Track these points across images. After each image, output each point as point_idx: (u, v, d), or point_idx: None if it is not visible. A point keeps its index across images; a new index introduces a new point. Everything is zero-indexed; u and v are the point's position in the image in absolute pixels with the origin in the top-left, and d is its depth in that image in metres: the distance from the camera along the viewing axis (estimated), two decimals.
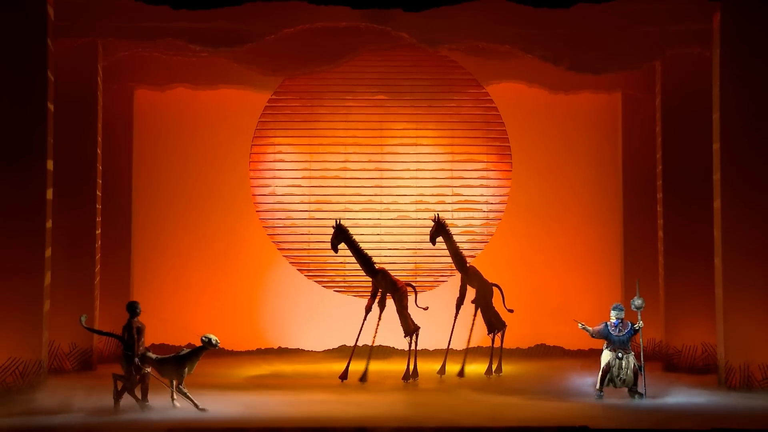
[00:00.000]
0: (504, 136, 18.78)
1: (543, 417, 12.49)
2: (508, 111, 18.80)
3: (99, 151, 16.84)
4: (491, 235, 18.74)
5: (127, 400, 12.95)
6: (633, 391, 13.87)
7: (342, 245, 15.56)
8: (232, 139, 18.70)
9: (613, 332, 13.95)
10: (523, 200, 18.80)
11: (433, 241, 16.05)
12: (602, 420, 12.40)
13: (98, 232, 16.91)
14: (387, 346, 17.27)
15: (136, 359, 12.91)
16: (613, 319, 13.98)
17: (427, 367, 16.23)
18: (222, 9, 14.79)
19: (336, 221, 15.61)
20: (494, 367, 16.15)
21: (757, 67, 14.76)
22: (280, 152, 18.69)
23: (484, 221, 18.74)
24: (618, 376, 13.86)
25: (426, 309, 15.70)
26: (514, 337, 18.39)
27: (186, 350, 13.16)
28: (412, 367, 15.49)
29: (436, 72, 18.54)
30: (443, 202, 18.66)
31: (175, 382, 12.99)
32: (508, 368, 16.87)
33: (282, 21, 15.64)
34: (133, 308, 13.20)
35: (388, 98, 18.60)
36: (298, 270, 18.50)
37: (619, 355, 13.86)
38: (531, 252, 18.73)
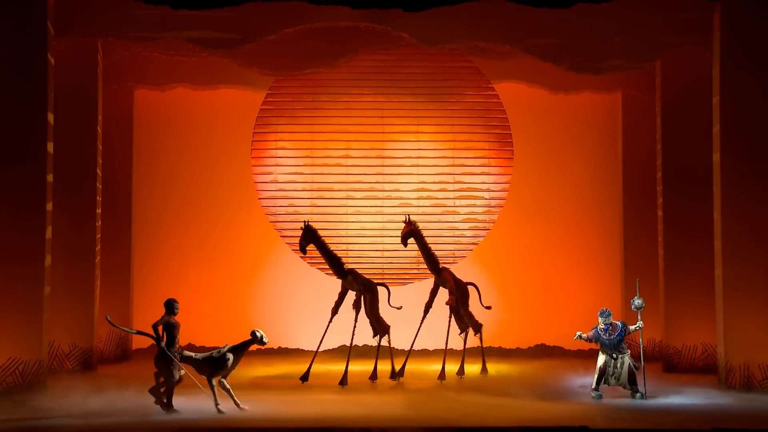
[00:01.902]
0: (505, 123, 18.81)
1: (543, 417, 12.48)
2: (508, 111, 18.81)
3: (99, 151, 16.84)
4: (493, 222, 18.75)
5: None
6: (634, 390, 13.88)
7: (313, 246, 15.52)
8: (232, 138, 18.72)
9: (603, 336, 13.98)
10: (523, 199, 18.80)
11: (404, 242, 15.82)
12: (602, 420, 12.41)
13: (98, 232, 16.90)
14: (387, 347, 17.24)
15: (162, 345, 12.70)
16: (601, 325, 14.01)
17: (426, 368, 16.23)
18: (222, 9, 14.81)
19: (305, 222, 15.53)
20: (480, 366, 16.12)
21: (757, 66, 14.77)
22: (282, 140, 18.75)
23: (486, 209, 18.75)
24: (613, 375, 13.90)
25: (400, 308, 15.58)
26: (514, 337, 18.47)
27: (228, 345, 13.01)
28: (389, 366, 15.50)
29: (437, 60, 18.47)
30: (445, 190, 18.70)
31: (215, 380, 12.87)
32: (508, 368, 16.91)
33: (282, 21, 15.65)
34: (170, 306, 12.99)
35: (389, 86, 18.62)
36: (301, 257, 18.54)
37: (614, 356, 13.90)
38: (531, 252, 18.73)
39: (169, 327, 12.85)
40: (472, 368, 16.13)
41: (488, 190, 18.77)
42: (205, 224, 18.60)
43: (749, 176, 14.76)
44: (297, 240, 18.29)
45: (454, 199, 18.72)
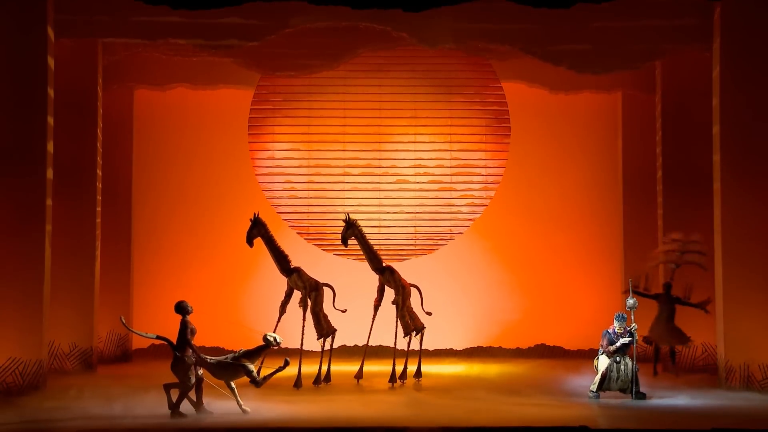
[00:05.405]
0: (503, 100, 18.84)
1: (543, 417, 12.47)
2: (509, 111, 18.85)
3: (99, 151, 16.84)
4: (490, 198, 18.77)
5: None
6: (635, 392, 13.80)
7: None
8: (232, 138, 18.75)
9: (616, 340, 13.84)
10: (523, 198, 18.82)
11: (344, 242, 15.36)
12: (602, 420, 12.40)
13: (98, 232, 16.91)
14: (386, 346, 17.22)
15: (193, 359, 12.54)
16: (618, 329, 13.86)
17: (427, 368, 16.21)
18: (221, 9, 14.82)
19: (254, 214, 15.20)
20: (414, 371, 15.57)
21: (757, 67, 14.75)
22: (278, 116, 18.79)
23: (483, 185, 18.80)
24: (618, 379, 13.80)
25: (344, 311, 15.20)
26: (514, 337, 18.47)
27: (243, 350, 12.87)
28: (325, 370, 15.11)
29: None
30: (442, 166, 18.74)
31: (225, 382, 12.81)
32: (508, 368, 16.90)
33: (282, 21, 15.65)
34: (183, 309, 12.67)
35: (387, 63, 18.63)
36: (298, 233, 18.61)
37: (617, 359, 13.81)
38: (531, 253, 18.74)
39: (183, 331, 12.63)
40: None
41: (485, 167, 18.78)
42: (205, 223, 18.62)
43: (749, 176, 14.74)
44: (293, 217, 18.51)
45: (451, 175, 18.74)
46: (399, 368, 15.36)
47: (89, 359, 16.48)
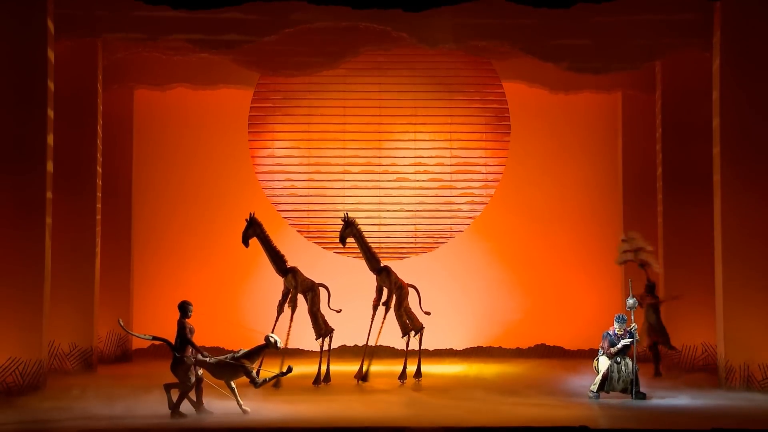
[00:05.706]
0: (503, 98, 18.86)
1: (543, 417, 12.47)
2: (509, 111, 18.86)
3: (99, 150, 16.84)
4: (490, 196, 18.78)
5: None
6: (635, 392, 13.79)
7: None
8: (232, 138, 18.76)
9: (617, 341, 13.83)
10: (523, 197, 18.82)
11: (343, 241, 15.37)
12: (602, 420, 12.40)
13: (98, 231, 16.90)
14: (387, 346, 17.26)
15: (192, 359, 12.50)
16: (618, 331, 13.85)
17: (427, 368, 16.20)
18: (222, 9, 14.81)
19: (250, 214, 15.15)
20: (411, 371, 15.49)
21: (756, 63, 14.75)
22: (278, 114, 18.82)
23: (483, 183, 18.83)
24: (619, 380, 13.77)
25: (339, 311, 15.20)
26: (514, 337, 18.46)
27: (243, 350, 12.82)
28: (324, 369, 15.03)
29: None
30: (442, 165, 18.75)
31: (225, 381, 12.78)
32: (508, 368, 16.88)
33: (282, 21, 15.64)
34: (182, 309, 12.70)
35: (386, 61, 18.65)
36: (298, 232, 18.61)
37: (618, 360, 13.79)
38: (531, 253, 18.74)
39: (181, 331, 12.62)
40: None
41: (485, 165, 18.79)
42: (205, 223, 18.62)
43: (749, 170, 14.70)
44: (294, 216, 18.50)
45: (451, 173, 18.75)
46: (388, 368, 15.36)
47: (89, 359, 16.48)
